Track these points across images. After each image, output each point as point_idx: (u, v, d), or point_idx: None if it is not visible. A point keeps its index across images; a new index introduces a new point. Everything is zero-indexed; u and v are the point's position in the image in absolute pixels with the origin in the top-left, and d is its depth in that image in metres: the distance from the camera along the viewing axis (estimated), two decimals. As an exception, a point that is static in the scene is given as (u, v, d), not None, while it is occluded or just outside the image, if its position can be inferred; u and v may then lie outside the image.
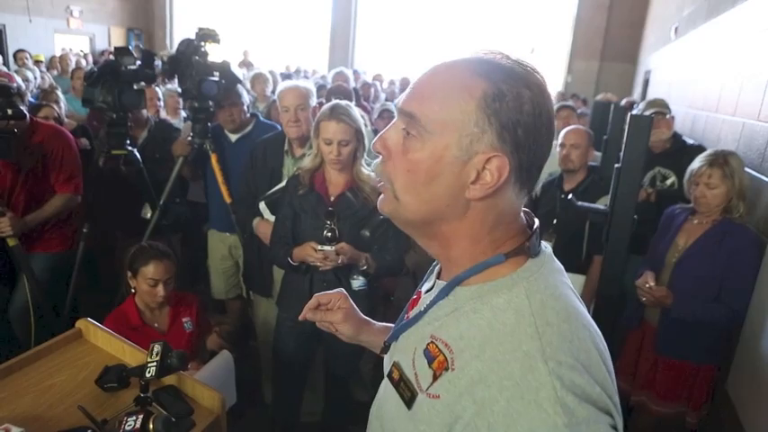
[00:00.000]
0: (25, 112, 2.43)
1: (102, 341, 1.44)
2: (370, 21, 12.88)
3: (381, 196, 0.75)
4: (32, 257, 2.58)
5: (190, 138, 2.88)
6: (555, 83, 10.87)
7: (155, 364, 1.20)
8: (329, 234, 1.99)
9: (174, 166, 2.96)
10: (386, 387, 0.80)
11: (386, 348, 0.86)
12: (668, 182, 2.90)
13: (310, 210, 2.07)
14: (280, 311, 2.26)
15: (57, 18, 11.95)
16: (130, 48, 2.87)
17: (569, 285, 0.73)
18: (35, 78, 5.51)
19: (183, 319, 2.12)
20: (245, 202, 2.57)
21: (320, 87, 5.36)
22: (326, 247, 1.96)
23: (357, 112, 2.05)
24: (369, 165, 2.10)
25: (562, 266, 0.75)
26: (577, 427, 0.58)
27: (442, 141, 0.65)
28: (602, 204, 2.46)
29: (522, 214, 0.74)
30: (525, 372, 0.60)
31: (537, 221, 0.74)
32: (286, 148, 2.50)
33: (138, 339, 1.46)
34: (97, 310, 1.58)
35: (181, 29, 13.41)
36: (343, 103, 2.06)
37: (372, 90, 6.57)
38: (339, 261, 1.96)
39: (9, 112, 2.25)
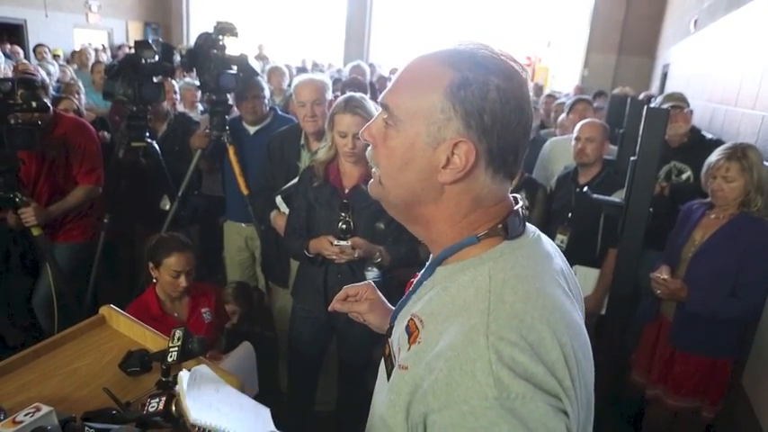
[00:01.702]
0: (49, 104, 2.49)
1: (124, 327, 1.47)
2: (385, 14, 12.83)
3: (371, 181, 0.79)
4: (55, 247, 2.65)
5: (207, 130, 2.92)
6: (572, 76, 10.75)
7: (176, 348, 1.23)
8: (344, 226, 2.01)
9: (193, 158, 3.00)
10: (381, 366, 0.85)
11: (390, 330, 0.89)
12: (683, 176, 2.87)
13: (325, 202, 2.08)
14: (294, 302, 2.29)
15: (76, 13, 12.11)
16: (149, 41, 2.91)
17: (555, 271, 0.74)
18: (55, 72, 5.62)
19: (203, 310, 2.17)
20: (262, 195, 2.61)
21: (336, 81, 5.37)
22: (343, 243, 1.98)
23: (371, 105, 2.05)
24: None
25: (552, 252, 0.77)
26: (509, 402, 0.59)
27: (413, 129, 0.70)
28: (617, 198, 2.45)
29: (508, 199, 0.75)
30: (467, 344, 0.63)
31: (520, 203, 0.76)
32: (302, 141, 2.52)
33: (158, 328, 1.47)
34: (116, 299, 1.61)
35: (197, 23, 13.50)
36: (358, 95, 2.06)
37: (388, 84, 6.56)
38: (355, 255, 1.98)
39: (34, 104, 2.31)
